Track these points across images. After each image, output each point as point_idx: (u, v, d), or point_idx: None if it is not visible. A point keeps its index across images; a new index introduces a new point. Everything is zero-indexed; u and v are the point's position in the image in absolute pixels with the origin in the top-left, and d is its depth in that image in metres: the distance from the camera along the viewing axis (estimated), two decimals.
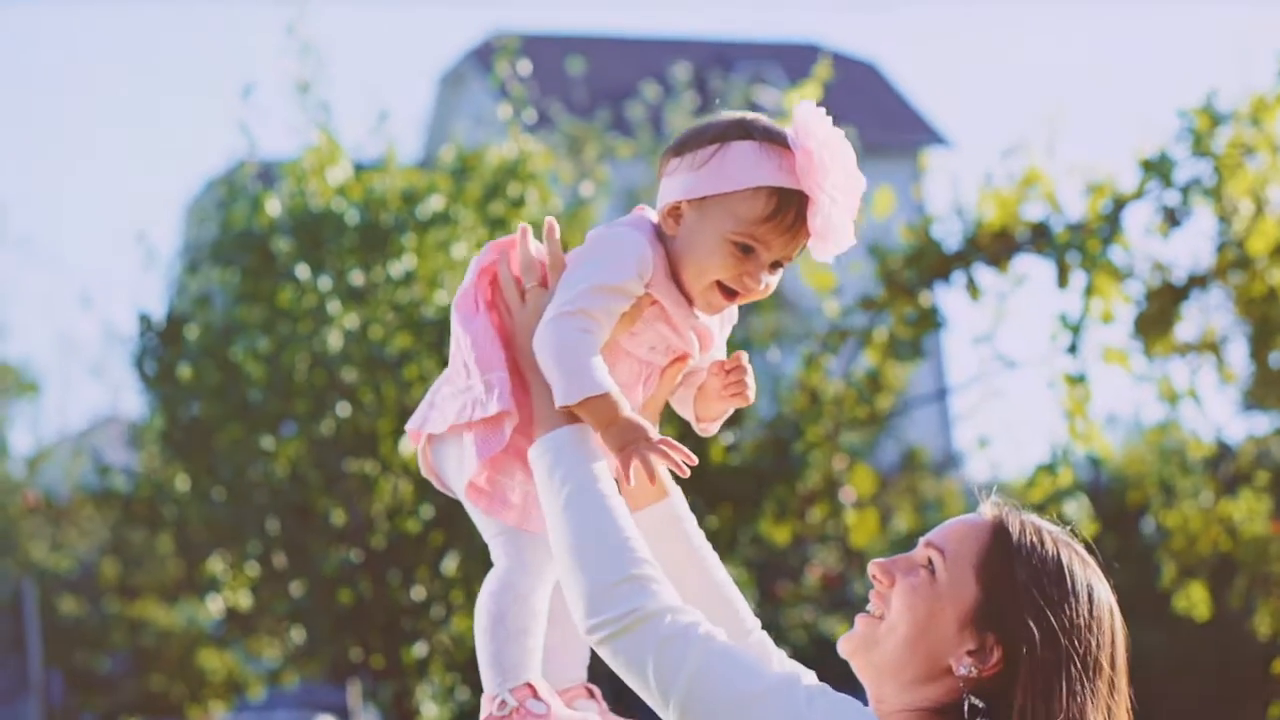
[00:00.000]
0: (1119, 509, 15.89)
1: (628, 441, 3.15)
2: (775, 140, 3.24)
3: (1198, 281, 9.64)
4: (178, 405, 11.79)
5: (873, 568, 3.20)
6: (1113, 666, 3.08)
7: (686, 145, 3.29)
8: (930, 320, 10.15)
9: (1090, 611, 3.07)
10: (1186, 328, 9.86)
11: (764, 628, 3.50)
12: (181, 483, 11.84)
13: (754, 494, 10.75)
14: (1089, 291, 9.14)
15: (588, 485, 3.14)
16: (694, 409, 3.50)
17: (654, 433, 3.18)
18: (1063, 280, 9.38)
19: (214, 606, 12.31)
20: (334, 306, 10.88)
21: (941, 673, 3.08)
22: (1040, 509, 8.71)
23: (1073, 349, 9.03)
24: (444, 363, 10.88)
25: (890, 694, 3.13)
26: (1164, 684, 16.98)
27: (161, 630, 21.79)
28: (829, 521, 10.75)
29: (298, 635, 11.74)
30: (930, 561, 3.13)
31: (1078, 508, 8.81)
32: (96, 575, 22.56)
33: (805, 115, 3.22)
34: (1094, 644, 3.05)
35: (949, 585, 3.09)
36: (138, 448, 20.10)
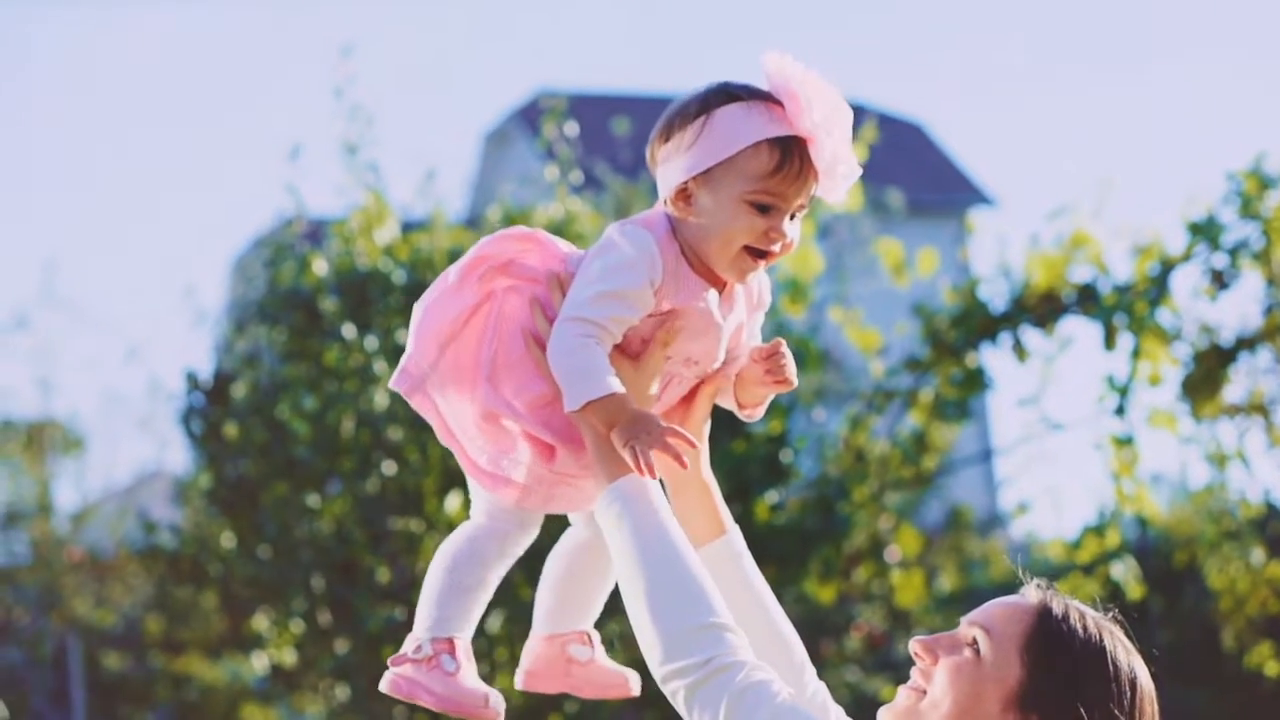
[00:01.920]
0: (1165, 569, 15.81)
1: (630, 437, 3.16)
2: (757, 95, 3.27)
3: (1246, 344, 9.60)
4: (224, 463, 11.83)
5: (915, 645, 3.23)
6: None
7: (672, 128, 3.32)
8: (976, 381, 10.14)
9: (1133, 700, 3.10)
10: (1234, 390, 9.81)
11: None
12: (227, 540, 11.87)
13: (799, 553, 10.73)
14: (1136, 354, 9.13)
15: (659, 535, 3.16)
16: (735, 396, 3.52)
17: (658, 423, 3.19)
18: (1110, 343, 9.35)
19: (259, 663, 12.33)
20: (380, 366, 10.92)
21: None
22: (1088, 570, 8.66)
23: (1120, 411, 9.02)
24: None
25: None
26: None
27: (206, 686, 21.80)
28: (874, 581, 10.74)
29: (342, 692, 11.73)
30: (975, 641, 3.15)
31: (1125, 570, 8.79)
32: (141, 631, 22.59)
33: (775, 63, 3.26)
34: None
35: (994, 666, 3.12)
36: (183, 504, 20.14)
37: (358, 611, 11.13)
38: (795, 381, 3.43)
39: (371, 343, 10.98)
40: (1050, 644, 3.11)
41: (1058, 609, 3.16)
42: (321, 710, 13.14)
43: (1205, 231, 9.18)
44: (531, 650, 3.63)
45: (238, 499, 11.74)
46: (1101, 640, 3.12)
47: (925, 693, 3.17)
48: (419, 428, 10.89)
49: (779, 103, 3.26)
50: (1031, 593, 3.22)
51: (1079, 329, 9.96)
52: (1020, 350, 9.94)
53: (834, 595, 10.70)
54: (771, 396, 3.49)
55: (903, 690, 3.22)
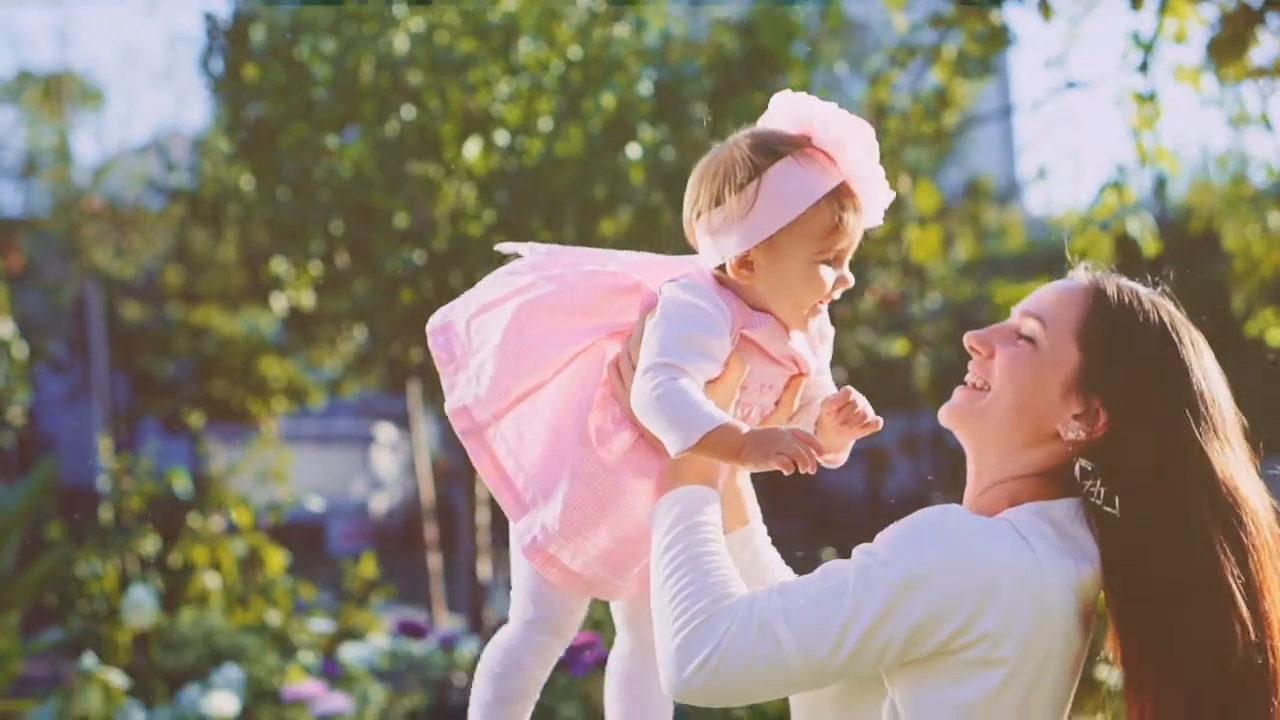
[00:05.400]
0: (1181, 241, 15.82)
1: (770, 450, 3.05)
2: (800, 145, 3.19)
3: (1274, 5, 9.46)
4: (243, 105, 11.79)
5: (969, 339, 3.22)
6: (1224, 420, 3.09)
7: (720, 193, 3.20)
8: (1000, 38, 10.01)
9: (1200, 368, 3.07)
10: (1261, 52, 9.70)
11: None
12: (246, 182, 11.88)
13: None
14: (1163, 10, 9.01)
15: (685, 544, 3.09)
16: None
17: (785, 429, 3.10)
18: (1137, 2, 9.23)
19: (277, 305, 12.41)
20: (400, 9, 10.82)
21: (1047, 438, 3.12)
22: (1104, 226, 8.67)
23: (1143, 67, 8.94)
24: (509, 68, 10.86)
25: (991, 463, 3.18)
26: None
27: (224, 338, 22.01)
28: (890, 245, 10.75)
29: (360, 333, 11.85)
30: (1029, 330, 3.14)
31: (1140, 225, 8.79)
32: (160, 283, 22.76)
33: (801, 106, 3.20)
34: (1207, 398, 3.06)
35: (1051, 352, 3.11)
36: (201, 158, 20.11)
37: (376, 254, 11.19)
38: (880, 422, 3.30)
39: None
40: (1106, 325, 3.09)
41: (1110, 289, 3.12)
42: (338, 364, 13.30)
43: None
44: None
45: (256, 141, 11.71)
46: (1159, 316, 3.09)
47: (983, 388, 3.17)
48: (439, 72, 10.84)
49: (813, 145, 3.18)
50: (1081, 275, 3.19)
51: None
52: (1045, 7, 9.80)
53: None
54: (853, 442, 3.36)
55: (960, 389, 3.21)
